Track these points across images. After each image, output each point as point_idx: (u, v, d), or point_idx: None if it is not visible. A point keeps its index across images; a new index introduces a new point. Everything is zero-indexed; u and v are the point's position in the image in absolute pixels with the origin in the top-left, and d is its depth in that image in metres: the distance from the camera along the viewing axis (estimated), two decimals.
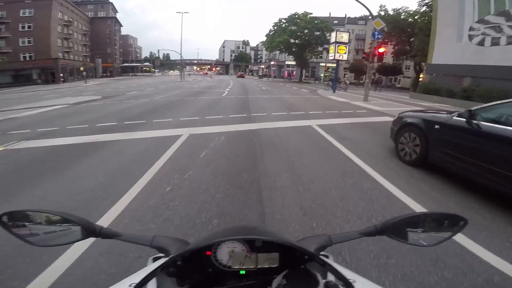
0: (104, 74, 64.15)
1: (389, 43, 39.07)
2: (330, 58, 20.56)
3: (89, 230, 0.67)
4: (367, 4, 13.93)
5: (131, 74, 76.55)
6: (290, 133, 6.41)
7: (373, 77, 41.95)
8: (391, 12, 36.67)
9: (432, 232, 0.72)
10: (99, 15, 67.80)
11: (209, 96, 15.13)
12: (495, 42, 16.80)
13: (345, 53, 19.56)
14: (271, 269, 0.63)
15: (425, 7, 28.57)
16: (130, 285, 0.59)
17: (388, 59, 44.57)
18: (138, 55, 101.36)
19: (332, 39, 19.62)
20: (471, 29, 18.29)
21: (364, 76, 30.63)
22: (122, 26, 75.53)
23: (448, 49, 19.83)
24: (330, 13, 54.34)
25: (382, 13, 37.07)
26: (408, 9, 35.22)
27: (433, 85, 20.12)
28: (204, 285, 0.64)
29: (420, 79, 39.06)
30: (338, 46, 19.14)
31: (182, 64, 41.70)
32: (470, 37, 18.31)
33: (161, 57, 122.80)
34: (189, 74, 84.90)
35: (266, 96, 16.14)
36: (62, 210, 0.68)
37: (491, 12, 17.09)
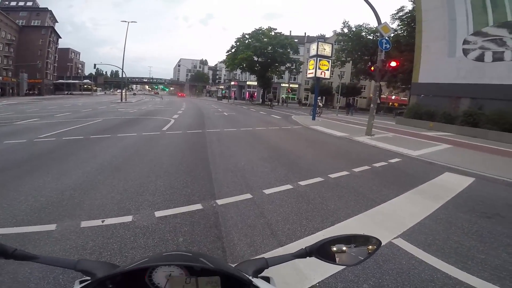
0: (30, 92, 53.74)
1: (350, 61, 37.69)
2: (309, 75, 16.29)
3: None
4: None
5: (66, 92, 65.33)
6: None
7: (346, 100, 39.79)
8: (354, 29, 35.33)
9: (353, 252, 0.73)
10: (32, 24, 56.97)
11: (140, 132, 9.25)
12: (497, 57, 14.18)
13: (327, 69, 15.50)
14: None
15: (397, 21, 26.89)
16: None
17: (346, 79, 43.23)
18: (80, 71, 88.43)
19: (312, 52, 15.43)
20: (465, 42, 15.66)
21: (317, 98, 25.53)
22: (60, 37, 65.27)
23: (439, 65, 17.01)
24: (290, 31, 52.77)
25: (346, 29, 35.61)
26: (369, 26, 34.06)
27: (425, 108, 17.08)
28: None
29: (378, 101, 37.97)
30: (320, 60, 15.01)
31: (122, 83, 34.44)
32: (465, 52, 15.65)
33: (108, 74, 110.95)
34: (134, 94, 76.90)
35: (232, 129, 10.90)
36: None
37: (489, 23, 14.59)
